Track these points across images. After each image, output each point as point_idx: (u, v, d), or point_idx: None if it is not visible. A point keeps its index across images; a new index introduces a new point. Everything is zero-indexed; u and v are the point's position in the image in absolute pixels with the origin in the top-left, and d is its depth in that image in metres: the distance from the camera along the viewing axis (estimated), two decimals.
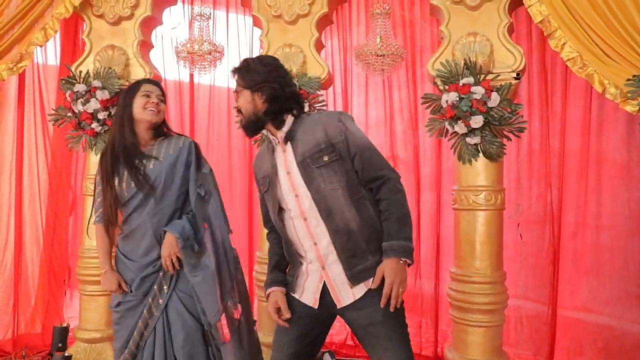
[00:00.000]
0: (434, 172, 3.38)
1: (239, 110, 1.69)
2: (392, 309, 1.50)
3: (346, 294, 1.57)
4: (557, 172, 2.91)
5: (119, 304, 1.98)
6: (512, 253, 3.03)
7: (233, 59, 3.62)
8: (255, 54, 3.60)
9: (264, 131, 1.72)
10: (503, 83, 2.44)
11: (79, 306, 2.93)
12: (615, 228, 2.90)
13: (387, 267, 1.51)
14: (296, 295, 1.67)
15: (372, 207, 1.60)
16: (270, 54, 2.87)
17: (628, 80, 2.18)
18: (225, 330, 1.92)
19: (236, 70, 1.69)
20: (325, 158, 1.57)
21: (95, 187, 2.04)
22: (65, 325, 3.05)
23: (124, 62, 2.97)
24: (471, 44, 2.55)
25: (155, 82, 2.09)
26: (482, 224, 2.50)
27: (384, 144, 3.57)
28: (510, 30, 2.59)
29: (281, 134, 1.65)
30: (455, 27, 2.61)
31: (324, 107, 2.83)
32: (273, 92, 1.63)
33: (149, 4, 2.99)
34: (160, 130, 2.06)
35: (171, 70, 3.63)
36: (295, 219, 1.62)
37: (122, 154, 1.95)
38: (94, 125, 2.84)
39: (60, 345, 2.91)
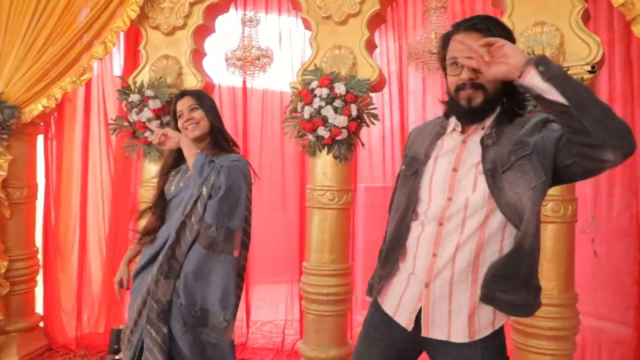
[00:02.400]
0: None
1: (478, 86, 1.30)
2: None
3: (440, 325, 1.31)
4: None
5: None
6: (590, 268, 2.67)
7: (286, 63, 3.57)
8: (307, 57, 3.53)
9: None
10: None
11: None
12: None
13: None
14: (387, 310, 1.41)
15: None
16: (319, 56, 2.77)
17: None
18: None
19: (499, 25, 1.33)
20: (512, 158, 1.28)
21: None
22: (121, 327, 3.14)
23: (177, 71, 3.00)
24: (538, 35, 2.28)
25: (184, 92, 2.05)
26: (549, 239, 2.21)
27: None
28: (586, 17, 2.28)
29: (479, 125, 1.35)
30: (519, 17, 2.35)
31: (375, 111, 2.66)
32: None
33: (201, 12, 3.00)
34: (216, 139, 2.00)
35: (225, 76, 3.65)
36: (427, 224, 1.36)
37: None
38: (147, 134, 2.89)
39: (116, 347, 2.99)
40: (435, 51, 2.55)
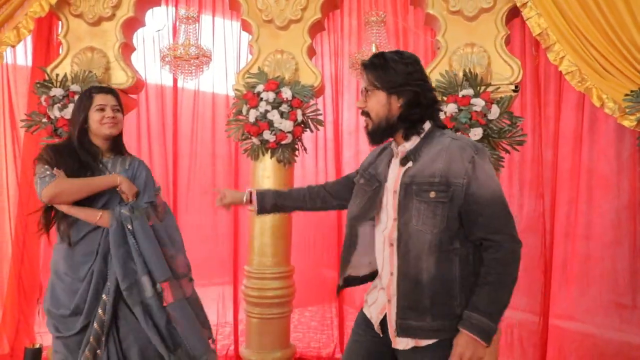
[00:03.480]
0: None
1: (366, 114, 1.47)
2: None
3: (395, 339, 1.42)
4: (549, 183, 2.93)
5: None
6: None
7: (219, 65, 3.49)
8: (243, 60, 3.47)
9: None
10: (503, 95, 2.42)
11: None
12: (603, 237, 2.94)
13: (460, 339, 1.33)
14: (366, 313, 1.54)
15: (459, 266, 1.36)
16: (261, 59, 2.77)
17: (626, 95, 2.19)
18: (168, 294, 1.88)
19: (370, 66, 1.44)
20: (432, 194, 1.35)
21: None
22: (38, 346, 2.84)
23: (105, 65, 2.80)
24: (468, 54, 2.53)
25: (108, 89, 2.00)
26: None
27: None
28: (507, 41, 2.58)
29: (402, 148, 1.45)
30: (452, 37, 2.58)
31: (320, 116, 2.74)
32: (414, 97, 1.40)
33: (132, 4, 2.82)
34: (118, 142, 2.01)
35: (153, 72, 3.46)
36: (385, 244, 1.45)
37: (82, 163, 1.89)
38: None
39: None
40: None
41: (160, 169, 3.52)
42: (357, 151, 4.01)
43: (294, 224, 2.89)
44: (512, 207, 2.95)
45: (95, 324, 1.81)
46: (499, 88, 2.41)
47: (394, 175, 1.47)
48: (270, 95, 2.60)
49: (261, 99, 2.61)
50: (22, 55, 3.32)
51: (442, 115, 2.43)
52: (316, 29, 2.87)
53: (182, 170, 3.55)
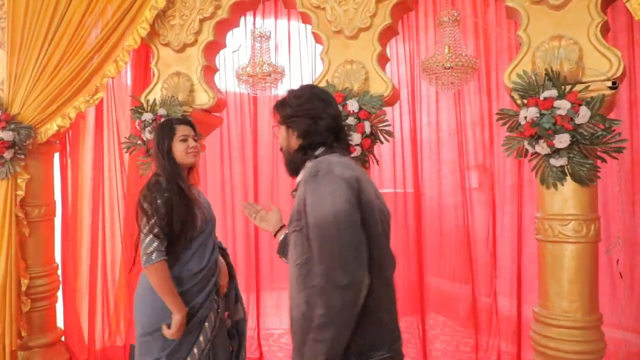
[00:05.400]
0: (514, 185, 3.06)
1: (281, 149, 1.57)
2: None
3: None
4: None
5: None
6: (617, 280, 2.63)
7: (295, 69, 3.56)
8: (319, 63, 3.49)
9: None
10: (595, 94, 2.07)
11: None
12: None
13: None
14: None
15: None
16: (331, 71, 2.74)
17: None
18: None
19: (274, 107, 1.57)
20: (292, 225, 1.33)
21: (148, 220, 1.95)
22: None
23: (189, 88, 3.00)
24: (555, 49, 2.21)
25: (186, 120, 2.14)
26: (571, 259, 2.16)
27: (456, 158, 3.31)
28: (605, 30, 2.21)
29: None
30: (535, 31, 2.29)
31: (389, 127, 2.63)
32: (307, 126, 1.43)
33: (212, 28, 2.99)
34: (194, 171, 2.16)
35: (231, 81, 3.64)
36: None
37: (180, 193, 1.98)
38: None
39: None
40: (449, 65, 2.50)
41: (239, 175, 3.68)
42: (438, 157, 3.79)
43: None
44: (619, 216, 2.53)
45: (206, 324, 2.00)
46: (589, 86, 2.07)
47: None
48: None
49: None
50: (127, 83, 3.71)
51: (521, 121, 2.19)
52: (387, 34, 2.75)
53: (264, 175, 3.68)
